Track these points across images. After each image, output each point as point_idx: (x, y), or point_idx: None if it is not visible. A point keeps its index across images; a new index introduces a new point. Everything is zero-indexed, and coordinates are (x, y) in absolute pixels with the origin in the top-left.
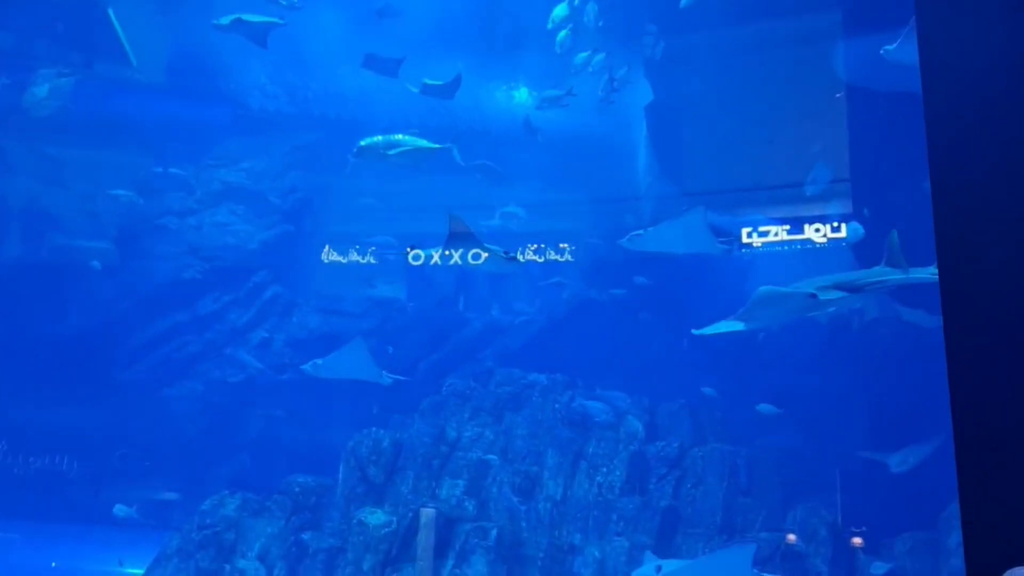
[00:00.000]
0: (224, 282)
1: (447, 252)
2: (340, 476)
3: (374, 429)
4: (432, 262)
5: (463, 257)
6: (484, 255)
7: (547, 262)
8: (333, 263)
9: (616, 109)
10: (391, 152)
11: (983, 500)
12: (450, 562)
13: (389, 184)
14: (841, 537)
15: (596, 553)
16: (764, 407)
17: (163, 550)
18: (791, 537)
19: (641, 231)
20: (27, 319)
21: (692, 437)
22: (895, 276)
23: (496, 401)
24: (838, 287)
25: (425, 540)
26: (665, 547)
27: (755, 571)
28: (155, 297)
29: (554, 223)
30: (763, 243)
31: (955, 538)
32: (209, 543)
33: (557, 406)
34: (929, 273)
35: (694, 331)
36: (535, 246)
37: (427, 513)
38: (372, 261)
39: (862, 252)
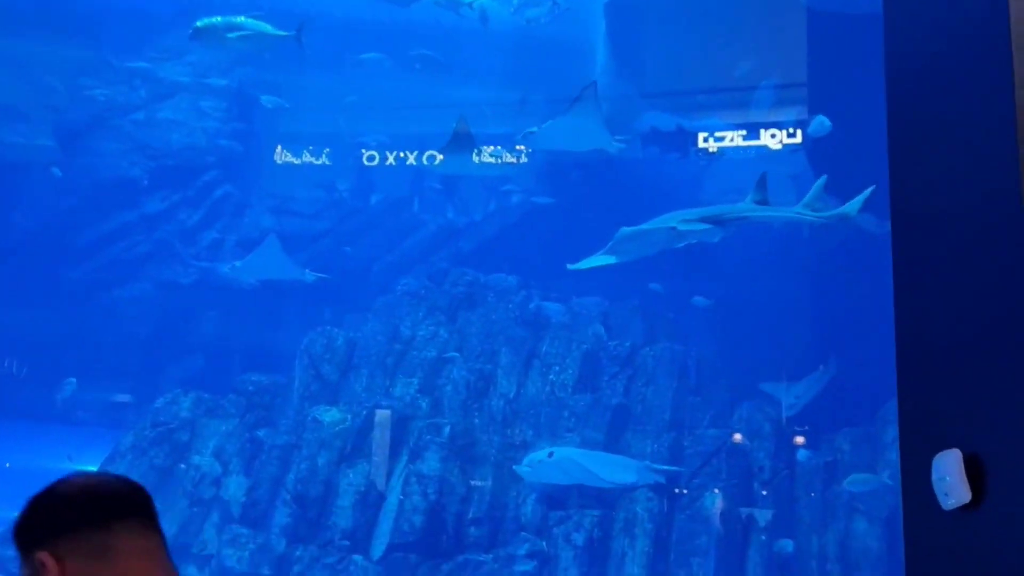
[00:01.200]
0: (172, 181)
1: (403, 154)
2: (295, 374)
3: (328, 328)
4: (387, 163)
5: (419, 158)
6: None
7: (502, 164)
8: (286, 163)
9: (574, 7)
10: (231, 35)
11: (918, 395)
12: (404, 458)
13: (346, 82)
14: (784, 433)
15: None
16: (698, 300)
17: (116, 447)
18: (737, 436)
19: (535, 128)
20: None
21: (644, 336)
22: (759, 212)
23: (450, 301)
24: (704, 220)
25: (380, 438)
26: (614, 443)
27: (647, 463)
28: (101, 196)
29: (509, 123)
30: (719, 148)
31: (891, 433)
32: (163, 440)
33: (511, 306)
34: (796, 212)
35: (569, 266)
36: (491, 148)
37: (382, 414)
38: (327, 162)
39: (823, 150)
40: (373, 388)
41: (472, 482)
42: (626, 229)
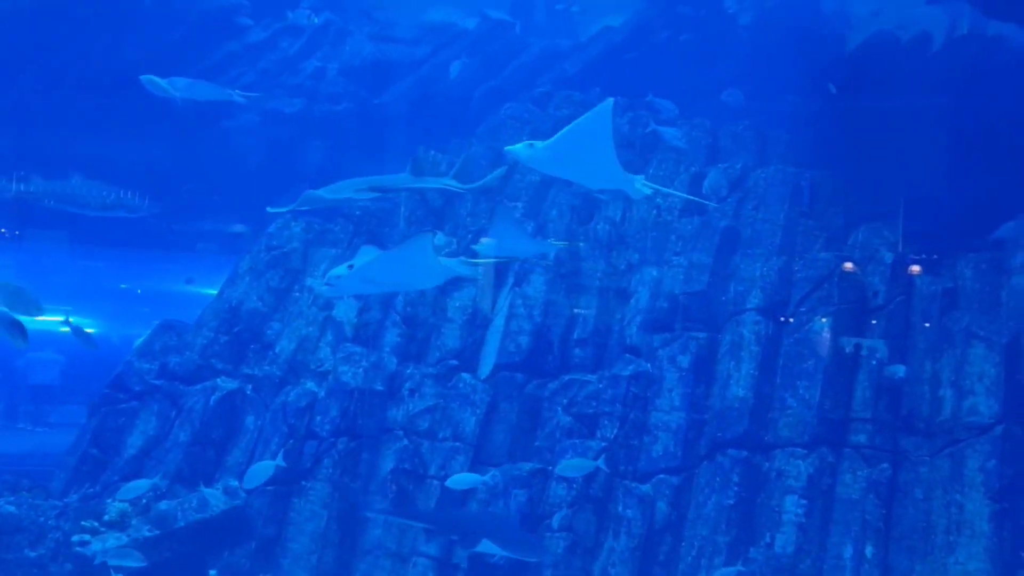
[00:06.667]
0: (272, 9)
1: None
2: (401, 199)
3: (432, 153)
4: None
5: None
6: None
7: None
8: None
9: None
10: None
11: None
12: (510, 281)
13: None
14: (902, 259)
15: (654, 272)
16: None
17: (235, 270)
18: (848, 265)
19: None
20: (81, 53)
21: (756, 158)
22: (414, 184)
23: (555, 124)
24: (372, 188)
25: (486, 268)
26: (723, 266)
27: (461, 259)
28: (203, 26)
29: None
30: None
31: (1019, 258)
32: (277, 263)
33: (616, 129)
34: (444, 183)
35: (269, 208)
36: None
37: (487, 237)
38: None
39: None
40: (477, 212)
41: (576, 305)
42: (310, 192)
